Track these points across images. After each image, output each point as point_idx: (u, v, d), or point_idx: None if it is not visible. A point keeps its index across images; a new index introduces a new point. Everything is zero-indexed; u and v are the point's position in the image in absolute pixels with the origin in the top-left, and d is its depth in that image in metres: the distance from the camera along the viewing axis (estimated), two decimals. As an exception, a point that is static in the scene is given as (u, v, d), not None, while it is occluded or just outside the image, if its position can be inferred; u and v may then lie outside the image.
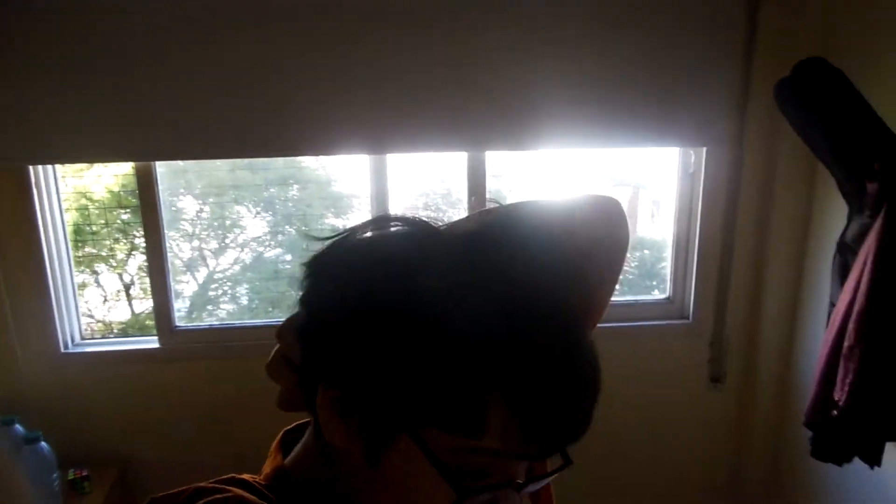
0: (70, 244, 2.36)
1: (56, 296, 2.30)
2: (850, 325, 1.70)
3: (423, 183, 2.58)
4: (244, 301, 2.67)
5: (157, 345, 2.38)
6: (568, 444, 0.58)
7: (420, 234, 0.60)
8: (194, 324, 2.45)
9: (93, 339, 2.46)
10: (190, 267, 2.61)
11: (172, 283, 2.37)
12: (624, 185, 2.70)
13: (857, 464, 1.86)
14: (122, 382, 2.37)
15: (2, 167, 2.14)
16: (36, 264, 2.23)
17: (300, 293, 0.63)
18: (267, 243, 2.65)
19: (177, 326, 2.38)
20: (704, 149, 2.34)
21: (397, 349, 0.54)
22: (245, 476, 0.67)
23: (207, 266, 2.65)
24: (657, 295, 2.60)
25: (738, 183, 2.36)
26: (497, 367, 0.52)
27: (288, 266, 2.62)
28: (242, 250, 2.65)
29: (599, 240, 0.70)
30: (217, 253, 2.65)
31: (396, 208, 2.46)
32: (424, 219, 0.62)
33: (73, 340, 2.38)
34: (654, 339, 2.52)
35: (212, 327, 2.43)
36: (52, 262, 2.28)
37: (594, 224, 0.69)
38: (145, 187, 2.26)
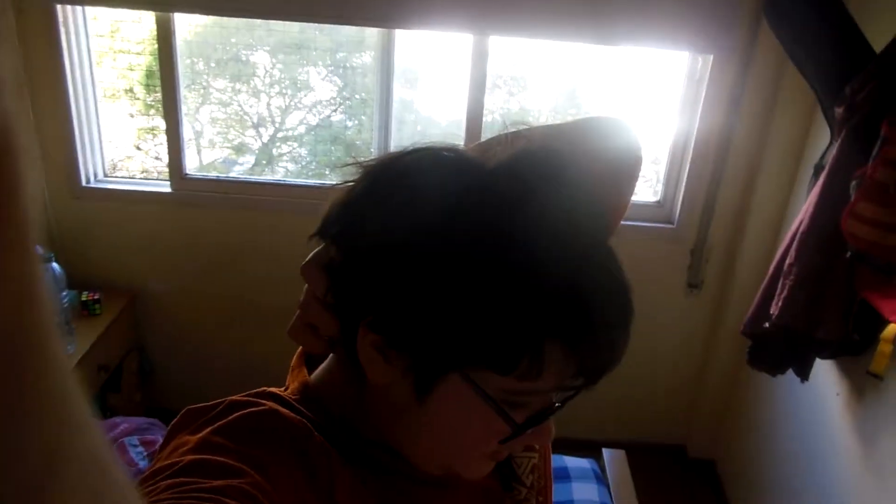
0: (97, 92, 2.52)
1: (80, 133, 2.48)
2: (794, 244, 1.75)
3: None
4: (304, 162, 2.81)
5: (168, 189, 2.57)
6: (610, 371, 0.61)
7: (458, 167, 0.60)
8: (202, 173, 2.62)
9: (114, 177, 2.66)
10: (257, 123, 2.75)
11: (184, 133, 2.52)
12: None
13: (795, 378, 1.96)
14: (137, 220, 2.60)
15: (30, 4, 2.27)
16: (62, 102, 2.41)
17: (328, 229, 0.63)
18: (333, 107, 2.72)
19: (186, 174, 2.56)
20: (711, 56, 2.31)
21: (456, 289, 0.55)
22: (275, 389, 0.68)
23: (274, 124, 2.78)
24: (649, 198, 2.65)
25: (740, 96, 2.34)
26: (553, 311, 0.55)
27: (350, 132, 2.73)
28: (309, 111, 2.76)
29: (619, 162, 0.75)
30: (284, 112, 2.77)
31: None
32: (454, 147, 0.62)
33: (95, 176, 2.59)
34: (640, 241, 2.59)
35: (218, 178, 2.60)
36: (79, 102, 2.45)
37: (613, 150, 0.74)
38: (163, 39, 2.37)
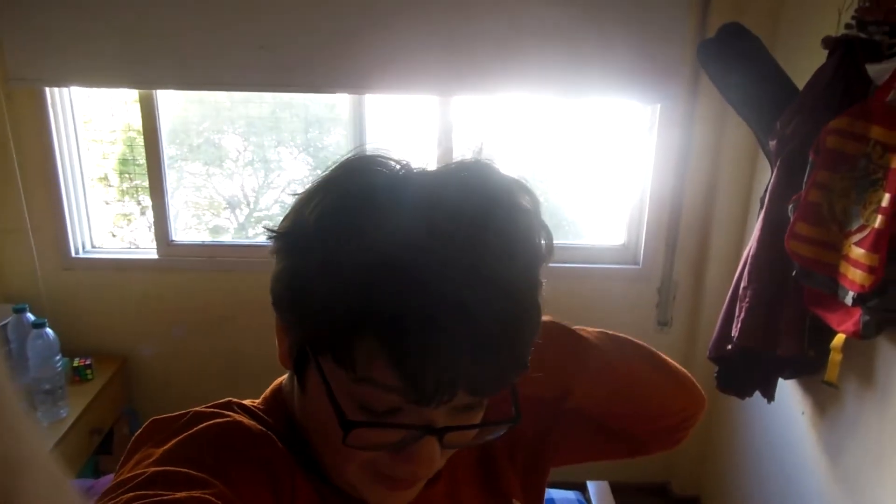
0: (83, 166, 2.64)
1: (69, 206, 2.60)
2: (746, 268, 1.89)
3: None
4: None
5: (155, 255, 2.67)
6: (446, 393, 0.55)
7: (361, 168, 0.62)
8: (188, 239, 2.72)
9: (102, 248, 2.77)
10: (232, 205, 2.87)
11: (169, 201, 2.64)
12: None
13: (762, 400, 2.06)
14: (126, 287, 2.69)
15: (21, 86, 2.42)
16: (51, 177, 2.53)
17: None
18: (305, 186, 2.84)
19: (173, 240, 2.67)
20: (659, 106, 2.50)
21: (292, 276, 0.59)
22: (244, 400, 0.70)
23: (249, 205, 2.90)
24: (614, 242, 2.79)
25: (689, 141, 2.52)
26: (370, 300, 0.53)
27: None
28: (282, 191, 2.88)
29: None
30: (258, 192, 2.89)
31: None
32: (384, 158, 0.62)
33: (83, 247, 2.69)
34: (609, 282, 2.72)
35: (203, 243, 2.71)
36: (67, 177, 2.58)
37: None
38: (147, 114, 2.52)
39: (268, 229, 0.64)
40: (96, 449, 2.52)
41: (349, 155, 0.64)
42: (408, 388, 0.54)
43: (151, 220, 2.65)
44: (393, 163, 0.61)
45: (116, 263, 2.68)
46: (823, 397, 1.98)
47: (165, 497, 0.51)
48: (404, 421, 0.58)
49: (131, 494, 0.51)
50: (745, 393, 2.09)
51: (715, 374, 2.11)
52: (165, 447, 0.58)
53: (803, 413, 2.10)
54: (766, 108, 1.83)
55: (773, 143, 1.81)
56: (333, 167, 0.63)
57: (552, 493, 2.14)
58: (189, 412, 0.63)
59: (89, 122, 2.69)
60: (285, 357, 0.65)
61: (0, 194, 2.54)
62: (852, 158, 1.57)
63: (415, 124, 2.77)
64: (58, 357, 2.33)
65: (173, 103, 2.60)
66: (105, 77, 2.41)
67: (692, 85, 2.44)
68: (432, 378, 0.54)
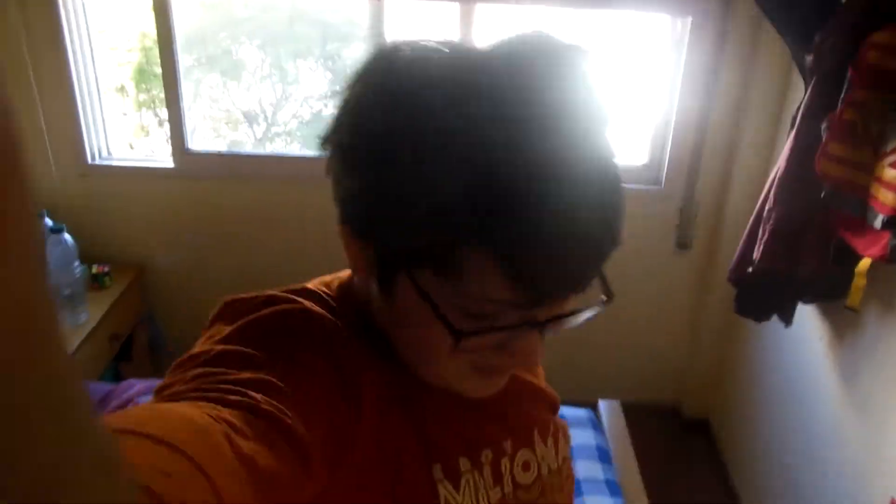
0: (98, 74, 2.60)
1: (84, 113, 2.57)
2: (772, 190, 1.84)
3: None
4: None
5: (171, 165, 2.65)
6: (562, 294, 0.57)
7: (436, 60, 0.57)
8: (204, 148, 2.69)
9: (117, 156, 2.75)
10: (249, 119, 2.81)
11: (185, 109, 2.60)
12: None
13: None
14: (142, 195, 2.68)
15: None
16: (65, 83, 2.49)
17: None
18: (325, 102, 2.76)
19: (189, 149, 2.64)
20: (690, 19, 2.39)
21: (386, 183, 0.55)
22: (316, 286, 0.69)
23: (266, 119, 2.83)
24: (636, 162, 2.72)
25: (719, 57, 2.42)
26: (475, 213, 0.51)
27: None
28: (301, 106, 2.80)
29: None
30: (276, 107, 2.82)
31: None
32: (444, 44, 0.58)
33: (100, 154, 2.67)
34: (629, 203, 2.65)
35: (220, 153, 2.68)
36: (81, 84, 2.54)
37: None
38: (162, 21, 2.44)
39: (325, 141, 0.62)
40: (116, 355, 2.57)
41: (381, 50, 0.59)
42: (521, 296, 0.54)
43: (168, 127, 2.61)
44: (442, 48, 0.57)
45: (132, 172, 2.67)
46: (843, 323, 1.96)
47: (229, 376, 0.52)
48: (510, 322, 0.58)
49: (199, 371, 0.53)
50: (763, 317, 2.08)
51: (734, 298, 2.09)
52: (236, 325, 0.59)
53: (821, 339, 2.08)
54: (806, 20, 1.74)
55: (809, 59, 1.73)
56: (373, 65, 0.59)
57: (563, 409, 2.16)
58: (264, 294, 0.63)
59: (104, 32, 2.62)
60: (362, 269, 0.63)
61: (17, 99, 2.51)
62: (893, 76, 1.49)
63: (435, 35, 2.68)
64: (76, 263, 2.35)
65: (189, 10, 2.52)
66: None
67: (727, -2, 2.33)
68: (548, 284, 0.55)
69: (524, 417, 0.78)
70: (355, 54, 2.65)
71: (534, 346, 0.60)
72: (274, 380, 0.53)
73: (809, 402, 2.15)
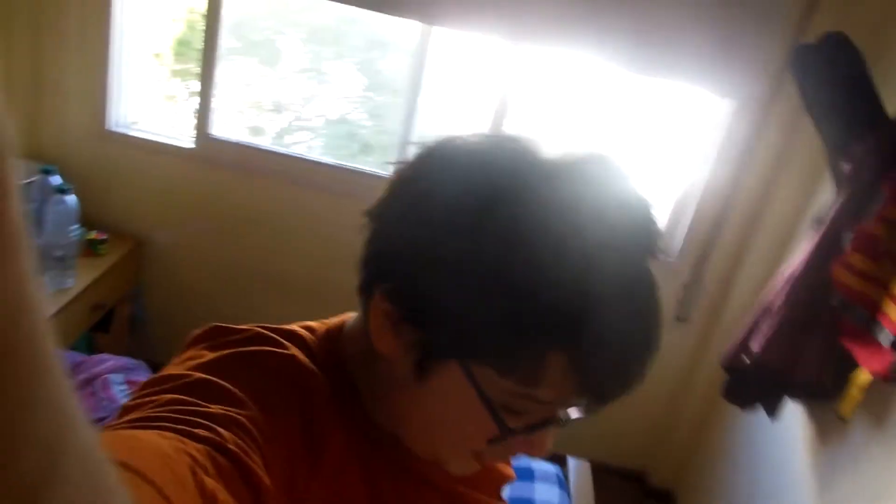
0: (138, 41, 2.58)
1: (115, 78, 2.55)
2: (785, 287, 1.84)
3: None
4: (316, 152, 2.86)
5: (192, 145, 2.63)
6: (619, 394, 0.60)
7: (508, 155, 0.58)
8: (225, 135, 2.67)
9: (138, 126, 2.72)
10: (277, 108, 2.81)
11: (214, 94, 2.58)
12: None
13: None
14: (155, 170, 2.66)
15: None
16: (104, 44, 2.47)
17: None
18: (355, 105, 2.77)
19: (211, 134, 2.62)
20: (731, 101, 2.40)
21: (475, 281, 0.54)
22: (306, 332, 0.69)
23: (294, 111, 2.84)
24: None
25: (754, 145, 2.42)
26: (561, 322, 0.54)
27: (366, 131, 2.78)
28: (330, 105, 2.81)
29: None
30: (306, 101, 2.83)
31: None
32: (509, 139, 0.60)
33: (122, 123, 2.65)
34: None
35: (241, 143, 2.66)
36: (120, 50, 2.52)
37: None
38: (212, 4, 2.44)
39: (383, 214, 0.62)
40: (95, 325, 2.52)
41: (440, 150, 0.61)
42: (587, 397, 0.59)
43: (194, 107, 2.59)
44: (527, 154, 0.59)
45: (151, 145, 2.64)
46: (829, 427, 1.95)
47: (202, 408, 0.52)
48: (544, 417, 0.61)
49: (171, 396, 0.53)
50: (748, 405, 2.07)
51: (724, 383, 2.09)
52: (219, 354, 0.59)
53: (803, 438, 2.08)
54: (848, 127, 1.75)
55: (846, 167, 1.74)
56: (431, 162, 0.61)
57: (531, 461, 2.14)
58: (252, 329, 0.64)
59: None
60: (391, 345, 0.61)
61: (52, 50, 2.49)
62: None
63: (477, 66, 2.68)
64: (75, 226, 2.31)
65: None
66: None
67: (773, 86, 2.33)
68: (612, 385, 0.59)
69: (471, 502, 0.79)
70: (392, 65, 2.65)
71: (550, 439, 0.64)
72: (245, 420, 0.53)
73: (780, 499, 2.14)
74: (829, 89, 1.76)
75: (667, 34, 2.25)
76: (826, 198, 2.27)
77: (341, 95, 2.75)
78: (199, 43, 2.51)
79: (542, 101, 2.65)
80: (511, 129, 0.64)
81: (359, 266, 0.64)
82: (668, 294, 2.65)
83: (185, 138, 2.65)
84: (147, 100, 2.78)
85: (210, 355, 0.59)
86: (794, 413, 2.12)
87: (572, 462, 2.21)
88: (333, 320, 0.72)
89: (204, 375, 0.56)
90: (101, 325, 2.60)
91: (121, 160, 2.64)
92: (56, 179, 2.33)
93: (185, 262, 2.78)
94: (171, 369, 0.58)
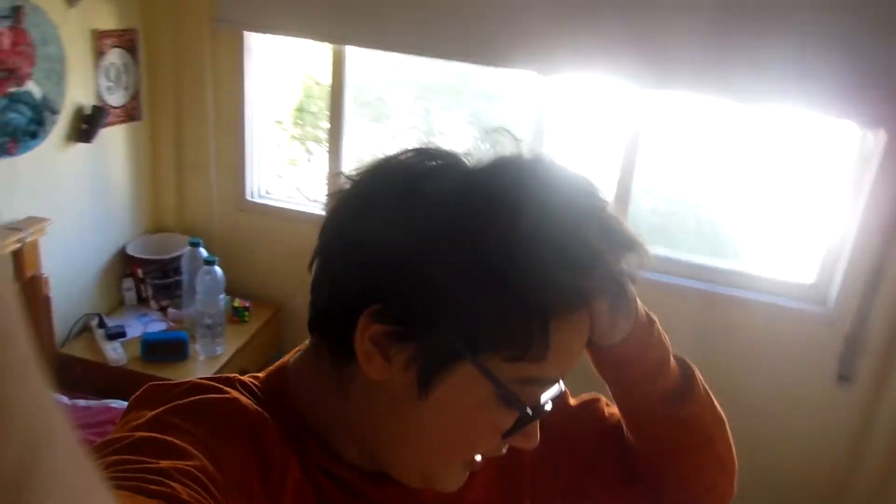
0: (266, 112, 2.74)
1: (250, 150, 2.71)
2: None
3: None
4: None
5: (322, 211, 2.71)
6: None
7: (452, 170, 0.61)
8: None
9: (272, 195, 2.87)
10: None
11: (343, 160, 2.67)
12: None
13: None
14: (291, 237, 2.75)
15: (225, 28, 2.53)
16: (239, 119, 2.65)
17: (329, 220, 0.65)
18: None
19: (340, 199, 2.70)
20: (884, 132, 2.17)
21: (470, 282, 0.56)
22: (247, 377, 0.69)
23: None
24: (802, 279, 2.48)
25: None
26: (556, 286, 0.57)
27: None
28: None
29: None
30: None
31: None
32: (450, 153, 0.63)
33: (258, 191, 2.80)
34: (785, 323, 2.43)
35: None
36: (252, 123, 2.69)
37: None
38: (337, 69, 2.56)
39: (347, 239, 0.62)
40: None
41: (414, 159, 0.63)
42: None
43: (322, 171, 2.70)
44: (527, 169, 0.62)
45: (285, 213, 2.76)
46: None
47: (148, 464, 0.51)
48: (533, 406, 0.61)
49: (115, 458, 0.52)
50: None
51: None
52: (157, 411, 0.58)
53: None
54: None
55: None
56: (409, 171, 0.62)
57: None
58: (188, 382, 0.63)
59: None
60: (388, 369, 0.59)
61: (194, 129, 2.69)
62: None
63: (597, 112, 2.62)
64: (222, 295, 2.44)
65: (357, 61, 2.63)
66: (303, 28, 2.48)
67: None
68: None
69: None
70: (500, 114, 2.66)
71: (537, 429, 0.64)
72: (194, 471, 0.52)
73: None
74: None
75: (807, 64, 2.09)
76: None
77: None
78: (314, 106, 2.63)
79: (675, 142, 2.54)
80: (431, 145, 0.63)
81: (312, 302, 0.64)
82: (826, 349, 2.42)
83: (315, 203, 2.76)
84: (275, 167, 2.93)
85: (150, 413, 0.58)
86: None
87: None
88: (273, 365, 0.72)
89: (147, 433, 0.55)
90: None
91: (259, 228, 2.77)
92: (203, 252, 2.48)
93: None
94: (114, 434, 0.57)
